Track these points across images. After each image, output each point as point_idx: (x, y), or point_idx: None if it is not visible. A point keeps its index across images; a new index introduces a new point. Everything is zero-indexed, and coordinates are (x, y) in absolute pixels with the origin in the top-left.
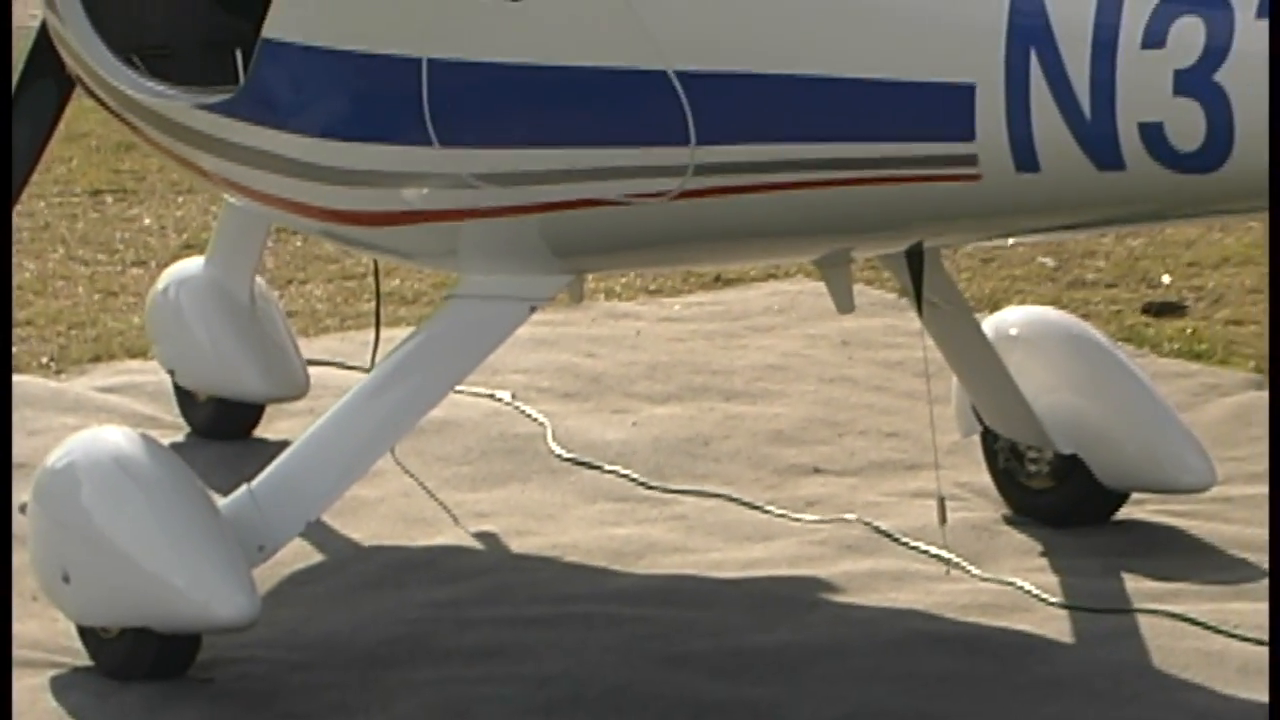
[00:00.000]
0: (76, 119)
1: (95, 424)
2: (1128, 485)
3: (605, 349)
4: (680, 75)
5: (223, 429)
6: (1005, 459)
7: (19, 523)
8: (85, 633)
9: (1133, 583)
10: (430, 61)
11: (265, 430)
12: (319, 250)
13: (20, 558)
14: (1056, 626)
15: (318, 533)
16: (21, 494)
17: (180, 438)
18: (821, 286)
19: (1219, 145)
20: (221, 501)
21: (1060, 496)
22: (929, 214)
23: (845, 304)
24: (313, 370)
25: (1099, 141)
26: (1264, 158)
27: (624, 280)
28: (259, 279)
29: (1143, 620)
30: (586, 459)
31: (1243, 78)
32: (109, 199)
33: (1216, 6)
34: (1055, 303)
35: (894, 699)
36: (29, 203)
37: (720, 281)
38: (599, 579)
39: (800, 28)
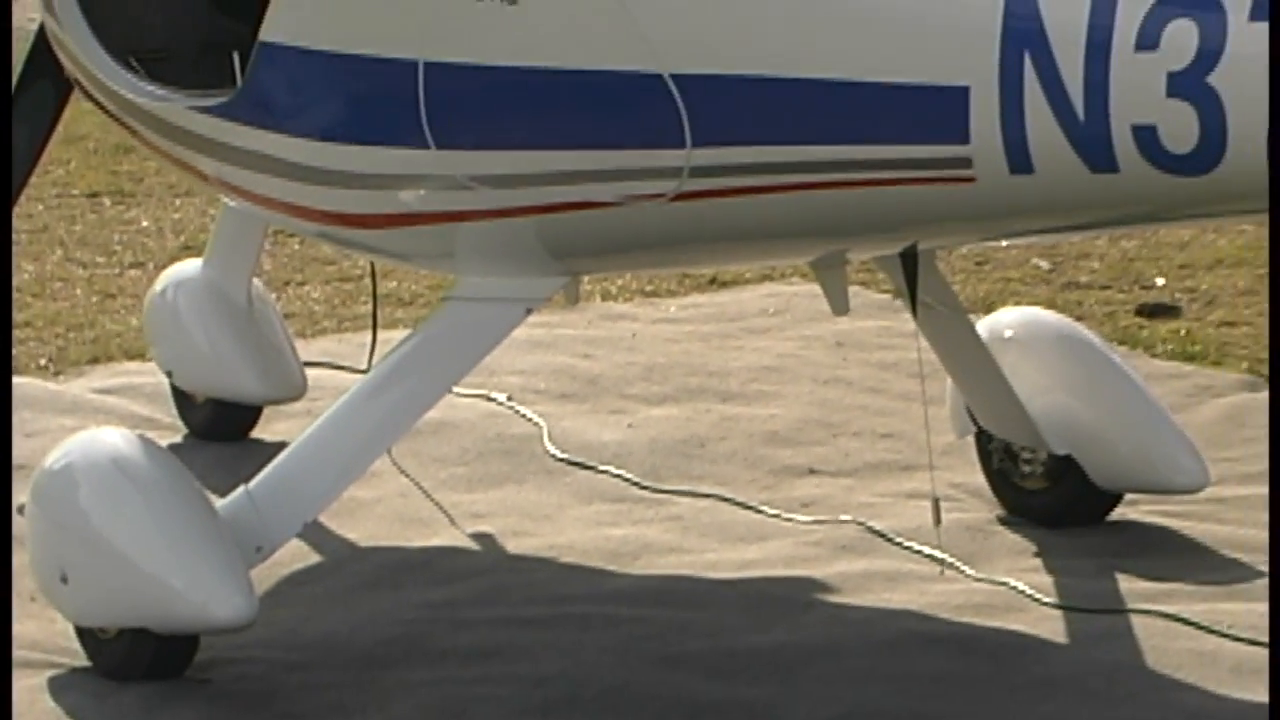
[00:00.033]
0: (75, 121)
1: (93, 425)
2: (1121, 486)
3: (601, 350)
4: (676, 78)
5: (220, 430)
6: (999, 460)
7: (17, 524)
8: (83, 633)
9: (1126, 583)
10: (426, 64)
11: (263, 431)
12: (316, 252)
13: (19, 559)
14: (1051, 627)
15: (315, 533)
16: (20, 495)
17: (178, 439)
18: (817, 288)
19: (1212, 148)
20: (219, 502)
21: (1054, 497)
22: (924, 216)
23: (840, 306)
24: (310, 372)
25: (1093, 144)
26: (1257, 160)
27: (620, 282)
28: (256, 281)
29: (1136, 620)
30: (583, 460)
31: (1236, 80)
32: (107, 201)
33: (1210, 9)
34: (1049, 304)
35: (889, 699)
36: (27, 205)
37: (716, 283)
38: (595, 580)
39: (795, 31)
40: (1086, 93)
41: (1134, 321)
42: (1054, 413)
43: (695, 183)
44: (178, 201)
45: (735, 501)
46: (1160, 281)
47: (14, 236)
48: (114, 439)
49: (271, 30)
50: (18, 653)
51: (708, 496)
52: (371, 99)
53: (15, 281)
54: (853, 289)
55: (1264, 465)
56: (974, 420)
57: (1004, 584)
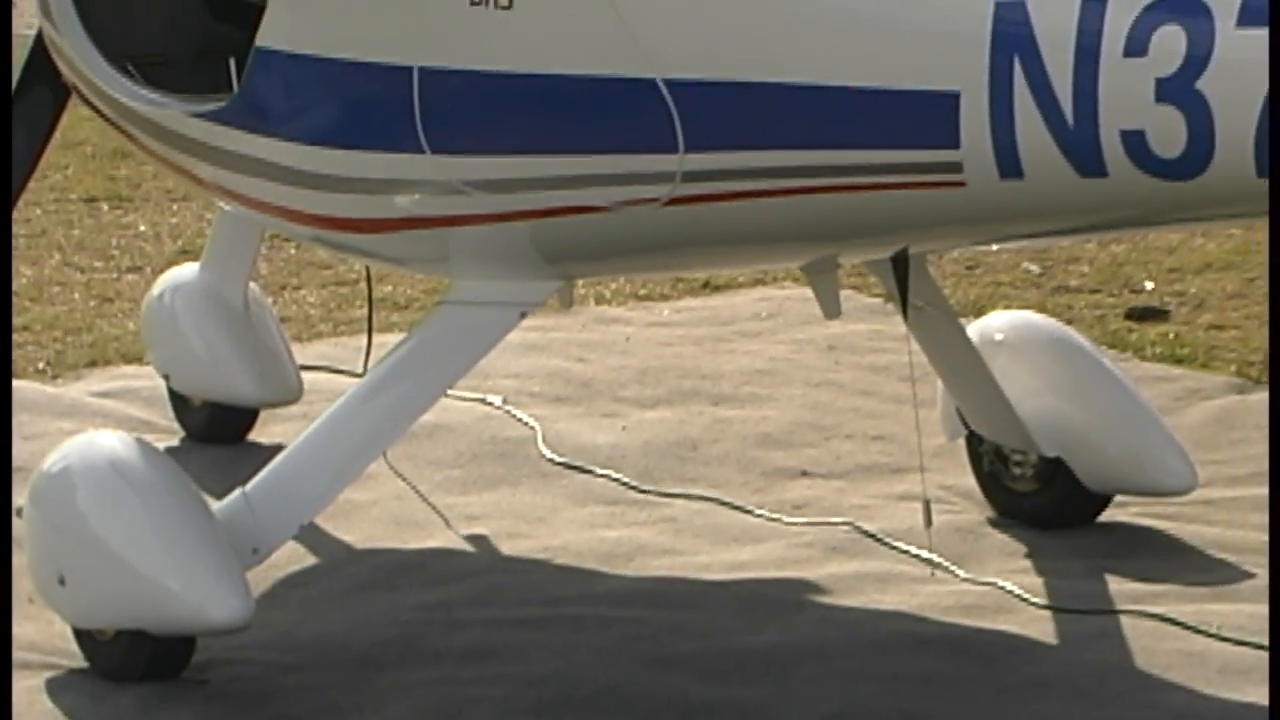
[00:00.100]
0: (72, 127)
1: (91, 428)
2: (1111, 488)
3: (595, 354)
4: (669, 83)
5: (217, 433)
6: (990, 462)
7: (16, 526)
8: (81, 635)
9: (1116, 584)
10: (421, 70)
11: (259, 434)
12: (312, 256)
13: (17, 561)
14: (1040, 627)
15: (311, 535)
16: (18, 498)
17: (175, 442)
18: (809, 292)
19: (1200, 152)
20: (216, 505)
21: (1044, 499)
22: (915, 220)
23: (832, 309)
24: (306, 375)
25: (1082, 149)
26: (1244, 165)
27: (614, 286)
28: (253, 285)
29: (1126, 621)
30: (577, 462)
31: (1224, 86)
32: (105, 206)
33: (1198, 15)
34: (1039, 308)
35: (880, 699)
36: (25, 210)
37: (709, 287)
38: (589, 581)
39: (787, 37)
40: (1076, 98)
41: (1123, 325)
42: (1044, 415)
43: (688, 187)
44: (175, 206)
45: (728, 504)
46: (1149, 285)
47: (12, 241)
48: (111, 442)
49: (267, 36)
50: (16, 654)
51: (701, 499)
52: (367, 104)
53: (14, 286)
54: (844, 293)
55: (1252, 467)
56: (965, 423)
57: (994, 585)
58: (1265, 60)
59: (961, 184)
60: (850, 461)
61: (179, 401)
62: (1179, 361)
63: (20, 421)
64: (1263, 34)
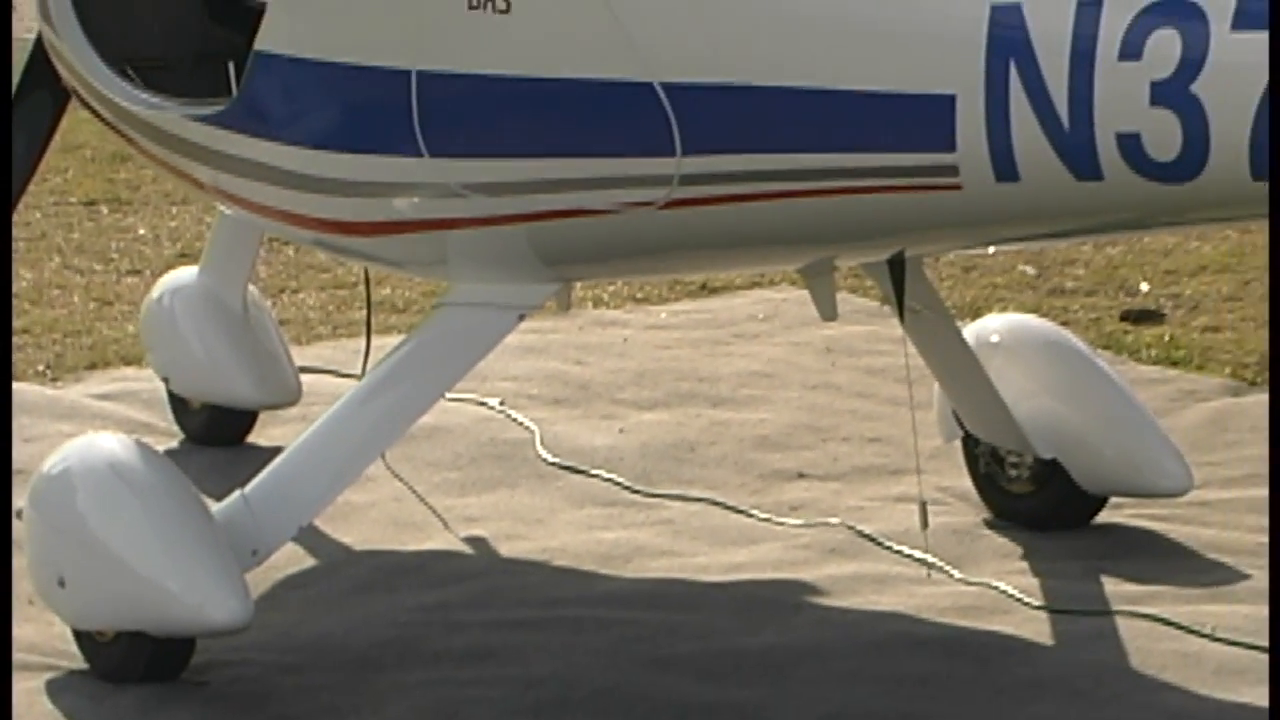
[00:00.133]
0: (72, 130)
1: (90, 431)
2: (1106, 489)
3: (593, 356)
4: (666, 87)
5: (216, 435)
6: (986, 464)
7: (16, 528)
8: (81, 636)
9: (1111, 585)
10: (419, 73)
11: (258, 437)
12: (311, 259)
13: (17, 562)
14: (1036, 628)
15: (310, 537)
16: (18, 500)
17: (174, 444)
18: (805, 294)
19: (1195, 155)
20: (215, 507)
21: (1040, 500)
22: (911, 223)
23: (829, 312)
24: (305, 377)
25: (1077, 151)
26: (1239, 168)
27: (611, 288)
28: (252, 288)
29: (1121, 622)
30: (575, 464)
31: (1218, 89)
32: (104, 209)
33: (1192, 19)
34: (1035, 310)
35: (876, 700)
36: (25, 213)
37: (706, 289)
38: (587, 582)
39: (783, 40)
40: (1071, 101)
41: (1119, 327)
42: (1040, 417)
43: (685, 190)
44: (174, 209)
45: (725, 505)
46: (1145, 287)
47: (12, 244)
48: (111, 444)
49: (266, 40)
50: (16, 655)
51: (698, 500)
52: (365, 108)
53: (14, 288)
54: (841, 295)
55: (1247, 469)
56: (961, 425)
57: (990, 586)
58: (1260, 63)
59: (958, 187)
60: (847, 463)
61: (178, 404)
62: (1174, 364)
63: (20, 424)
64: (1257, 37)
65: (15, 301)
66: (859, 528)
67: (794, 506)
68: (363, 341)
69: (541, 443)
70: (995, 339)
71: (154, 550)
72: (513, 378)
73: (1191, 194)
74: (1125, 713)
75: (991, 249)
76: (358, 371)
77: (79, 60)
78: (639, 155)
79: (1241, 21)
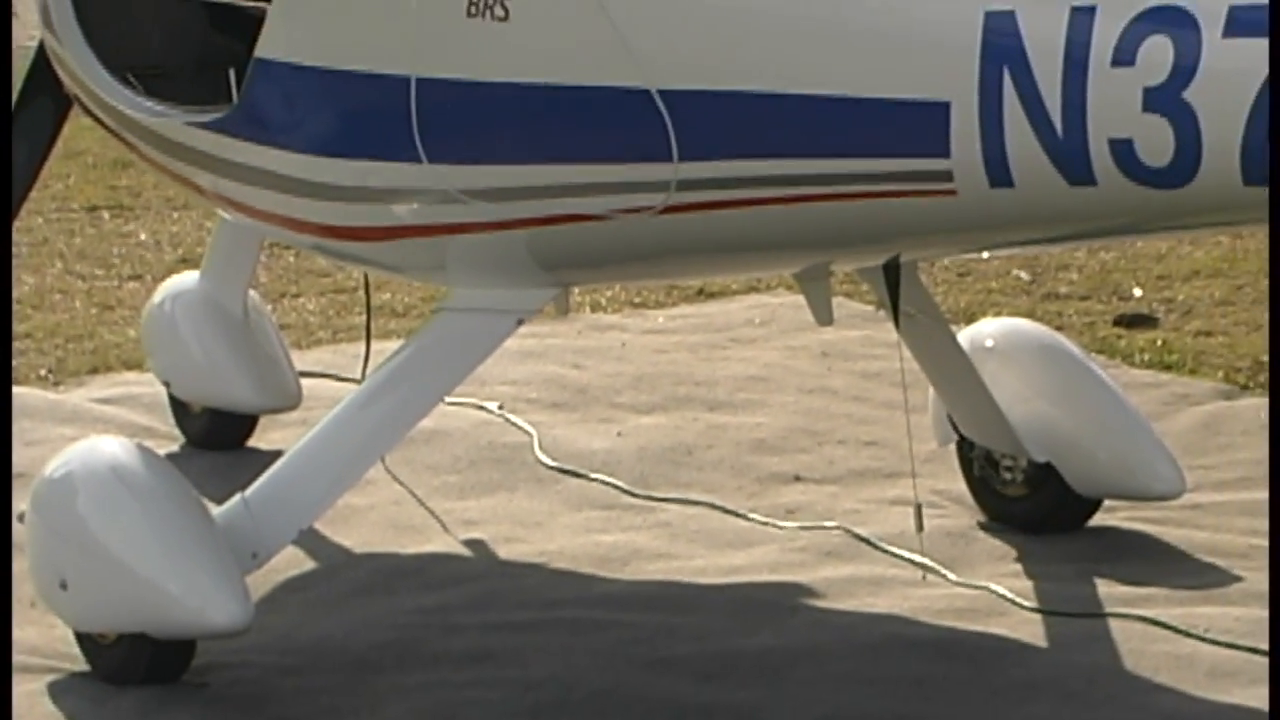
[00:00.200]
0: (74, 137)
1: (92, 434)
2: (1100, 492)
3: (591, 360)
4: (663, 93)
5: (217, 439)
6: (980, 467)
7: (17, 531)
8: (82, 638)
9: (1105, 587)
10: (419, 80)
11: (258, 440)
12: (311, 264)
13: (19, 565)
14: (1031, 630)
15: (310, 540)
16: (20, 503)
17: (175, 448)
18: (801, 299)
19: (1187, 161)
20: (216, 510)
21: (1034, 503)
22: (906, 228)
23: (824, 316)
24: (305, 382)
25: (1070, 157)
26: (1231, 173)
27: (609, 293)
28: (252, 293)
29: (1115, 624)
30: (573, 468)
31: (1210, 95)
32: (106, 215)
33: (1184, 26)
34: (1029, 315)
35: (872, 702)
36: (27, 218)
37: (703, 294)
38: (585, 585)
39: (780, 47)
40: (1064, 108)
41: (1112, 331)
42: (1034, 421)
43: (682, 196)
44: (175, 215)
45: (722, 508)
46: (1138, 292)
47: (14, 249)
48: (112, 448)
49: (267, 47)
50: (18, 658)
51: (695, 503)
52: (365, 114)
53: (15, 293)
54: (837, 300)
55: (1240, 472)
56: (956, 428)
57: (985, 588)
58: (1251, 70)
59: (952, 192)
60: (843, 466)
61: (179, 408)
62: (1167, 368)
63: (22, 428)
64: (1248, 43)
65: (18, 306)
66: (855, 530)
67: (790, 509)
68: (362, 346)
69: (540, 446)
70: (989, 343)
71: (155, 553)
72: (511, 382)
73: (1184, 199)
74: (1119, 714)
75: (986, 254)
76: (357, 376)
77: (81, 67)
78: (636, 161)
79: (1233, 28)
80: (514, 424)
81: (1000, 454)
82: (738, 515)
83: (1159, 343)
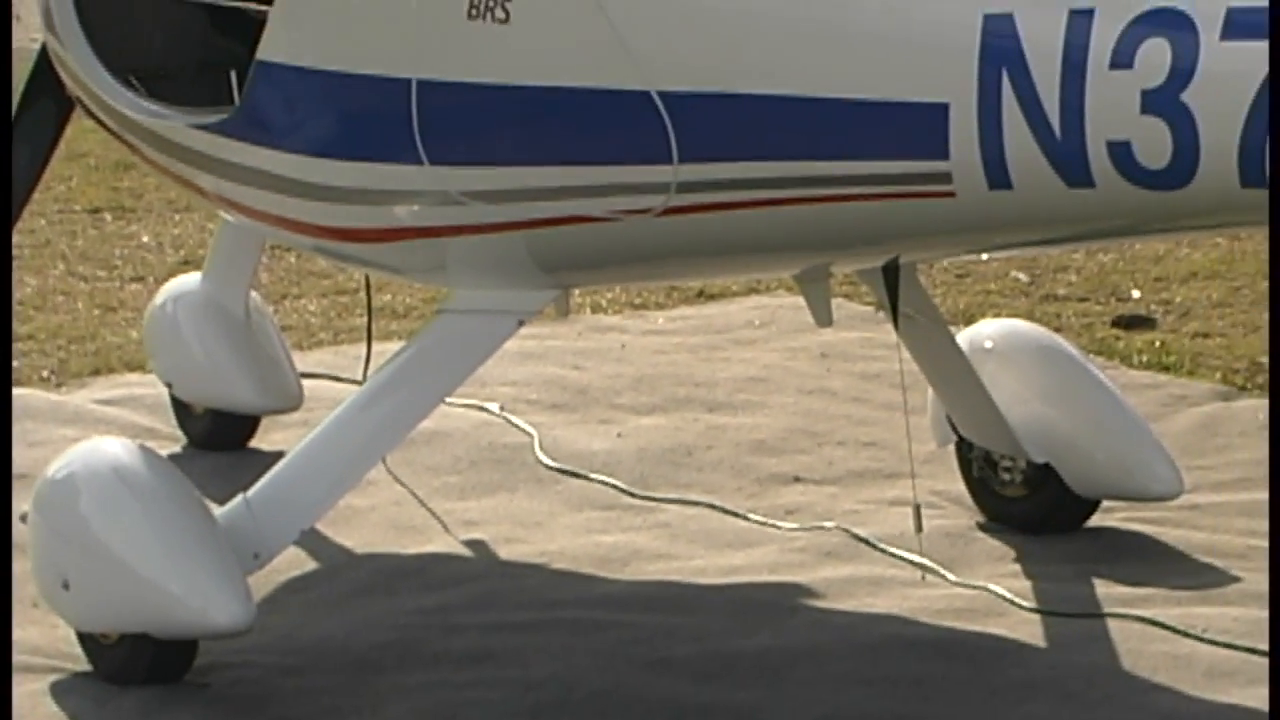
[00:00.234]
0: (76, 139)
1: (94, 435)
2: (1099, 493)
3: (591, 362)
4: (663, 95)
5: (219, 440)
6: (979, 468)
7: (19, 531)
8: (84, 638)
9: (1103, 588)
10: (420, 82)
11: (260, 441)
12: (312, 266)
13: (21, 566)
14: (1029, 630)
15: (311, 541)
16: (22, 503)
17: (177, 449)
18: (801, 301)
19: (1185, 163)
20: (218, 510)
21: (1033, 504)
22: (905, 230)
23: (824, 318)
24: (306, 383)
25: (1069, 159)
26: (1229, 175)
27: (609, 295)
28: (254, 294)
29: (1113, 624)
30: (573, 468)
31: (1208, 97)
32: (108, 217)
33: (1182, 29)
34: (1028, 316)
35: (871, 702)
36: (30, 220)
37: (703, 296)
38: (585, 585)
39: (779, 49)
40: (1063, 110)
41: (1110, 333)
42: (1033, 422)
43: (682, 198)
44: (177, 217)
45: (722, 509)
46: (1136, 294)
47: (17, 251)
48: (115, 449)
49: (268, 50)
50: (20, 658)
51: (695, 504)
52: (366, 116)
53: (18, 295)
54: (836, 301)
55: (1237, 473)
56: (955, 429)
57: (984, 589)
58: (1249, 72)
59: (951, 194)
60: (842, 467)
61: (181, 409)
62: (1165, 369)
63: (24, 429)
64: (1246, 46)
65: (20, 308)
66: (854, 531)
67: (790, 510)
68: (364, 347)
69: (540, 447)
70: (988, 344)
71: (157, 553)
72: (512, 383)
73: (1182, 201)
74: (1117, 714)
75: (984, 255)
76: (359, 377)
77: (83, 69)
78: (636, 163)
79: (1231, 31)
80: (514, 425)
81: (999, 455)
82: (737, 516)
83: (1157, 344)
